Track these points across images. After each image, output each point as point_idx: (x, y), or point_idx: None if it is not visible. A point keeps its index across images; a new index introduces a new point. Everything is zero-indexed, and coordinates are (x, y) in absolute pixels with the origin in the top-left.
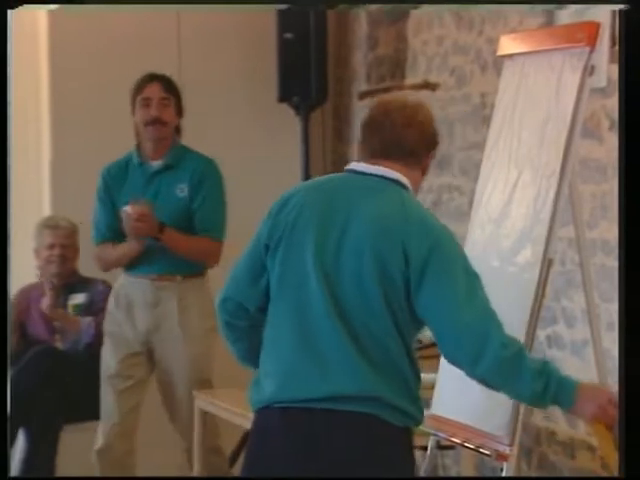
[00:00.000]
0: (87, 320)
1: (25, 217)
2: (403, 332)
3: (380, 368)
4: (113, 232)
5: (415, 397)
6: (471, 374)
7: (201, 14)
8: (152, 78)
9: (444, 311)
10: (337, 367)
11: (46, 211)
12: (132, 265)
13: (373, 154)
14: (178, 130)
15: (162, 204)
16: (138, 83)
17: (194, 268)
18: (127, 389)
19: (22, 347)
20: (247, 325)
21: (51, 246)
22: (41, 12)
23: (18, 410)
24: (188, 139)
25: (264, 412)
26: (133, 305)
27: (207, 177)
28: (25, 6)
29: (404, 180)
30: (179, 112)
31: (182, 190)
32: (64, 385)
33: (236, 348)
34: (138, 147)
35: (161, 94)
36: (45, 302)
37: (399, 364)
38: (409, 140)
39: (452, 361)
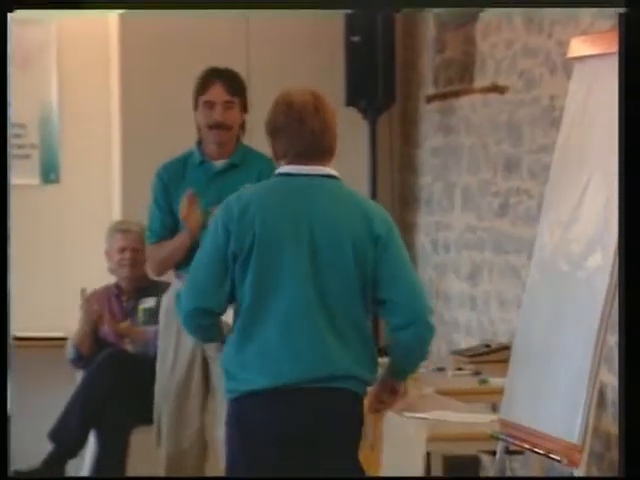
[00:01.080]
0: (153, 330)
1: (95, 220)
2: (369, 311)
3: (358, 351)
4: (169, 232)
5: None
6: (405, 335)
7: (269, 20)
8: (215, 77)
9: (403, 279)
10: (320, 353)
11: (116, 214)
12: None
13: (298, 155)
14: (242, 126)
15: None
16: (200, 82)
17: None
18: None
19: (94, 350)
20: (215, 322)
21: (122, 249)
22: (112, 15)
23: (90, 412)
24: (256, 143)
25: (250, 399)
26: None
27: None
28: (25, 11)
29: (337, 173)
30: (244, 109)
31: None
32: (135, 388)
33: (208, 340)
34: (199, 145)
35: (225, 97)
36: (107, 318)
37: (370, 342)
38: (328, 142)
39: (399, 325)
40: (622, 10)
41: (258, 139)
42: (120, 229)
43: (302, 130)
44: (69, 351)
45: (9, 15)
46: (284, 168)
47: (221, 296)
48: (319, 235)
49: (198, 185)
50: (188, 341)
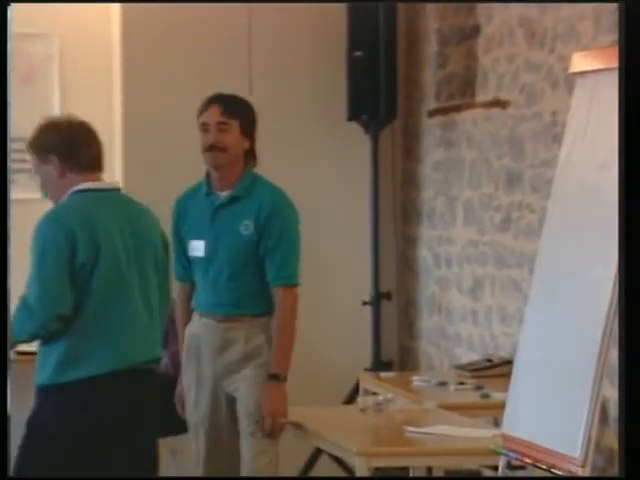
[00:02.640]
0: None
1: None
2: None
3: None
4: (185, 272)
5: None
6: None
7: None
8: (212, 100)
9: None
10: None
11: None
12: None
13: (84, 169)
14: (251, 155)
15: (225, 243)
16: (200, 107)
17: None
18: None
19: None
20: (63, 326)
21: None
22: (114, 27)
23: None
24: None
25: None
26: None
27: (277, 211)
28: (31, 25)
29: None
30: (248, 135)
31: (247, 227)
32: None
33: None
34: (207, 176)
35: (218, 118)
36: None
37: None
38: (100, 154)
39: None
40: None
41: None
42: None
43: (90, 142)
44: None
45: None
46: (85, 184)
47: (71, 298)
48: (141, 243)
49: (203, 220)
50: (208, 380)
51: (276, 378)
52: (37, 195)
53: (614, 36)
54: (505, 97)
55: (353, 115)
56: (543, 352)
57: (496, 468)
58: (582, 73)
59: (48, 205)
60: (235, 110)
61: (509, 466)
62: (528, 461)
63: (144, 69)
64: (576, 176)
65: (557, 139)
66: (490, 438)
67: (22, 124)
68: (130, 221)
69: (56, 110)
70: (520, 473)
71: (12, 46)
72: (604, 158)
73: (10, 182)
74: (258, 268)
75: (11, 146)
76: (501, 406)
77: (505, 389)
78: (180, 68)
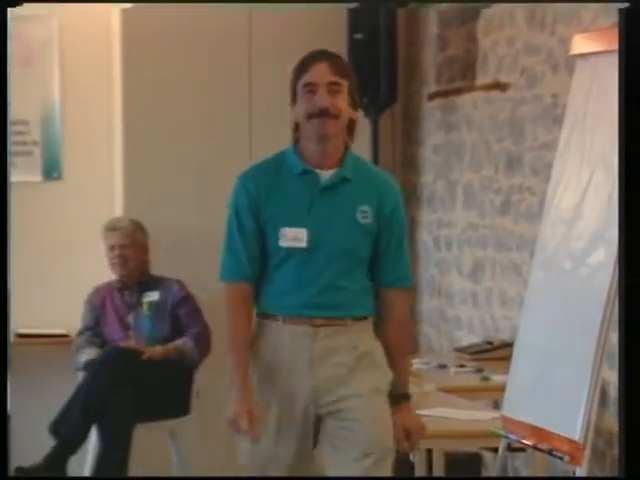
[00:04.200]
0: (180, 343)
1: (97, 217)
2: None
3: None
4: (252, 270)
5: None
6: None
7: (272, 15)
8: (318, 57)
9: None
10: None
11: (118, 211)
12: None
13: None
14: (351, 129)
15: (336, 232)
16: (299, 66)
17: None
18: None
19: (97, 346)
20: None
21: (112, 248)
22: (114, 12)
23: (91, 408)
24: (256, 140)
25: None
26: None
27: (400, 204)
28: (25, 5)
29: None
30: (353, 104)
31: (365, 215)
32: (137, 384)
33: None
34: (296, 149)
35: (330, 77)
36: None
37: None
38: None
39: None
40: (623, 6)
41: (260, 137)
42: (107, 227)
43: None
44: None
45: (9, 10)
46: None
47: None
48: None
49: (302, 202)
50: (299, 400)
51: (407, 398)
52: (37, 178)
53: (614, 18)
54: (505, 80)
55: None
56: (543, 335)
57: (496, 450)
58: (582, 55)
59: (48, 188)
60: (345, 71)
61: (509, 448)
62: (528, 443)
63: (144, 52)
64: (576, 160)
65: (557, 121)
66: (490, 421)
67: (21, 107)
68: None
69: (56, 93)
70: (520, 455)
71: (11, 29)
72: (603, 144)
73: (10, 166)
74: (367, 264)
75: (10, 129)
76: (501, 389)
77: (505, 372)
78: (180, 52)
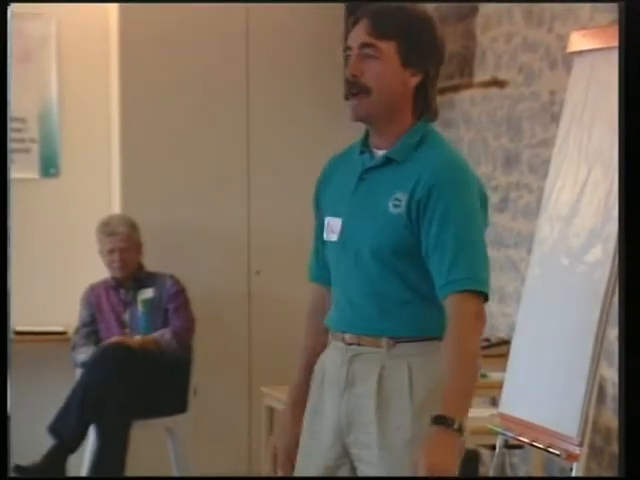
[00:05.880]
0: (159, 335)
1: (94, 214)
2: None
3: None
4: (320, 267)
5: None
6: None
7: (269, 13)
8: (360, 15)
9: None
10: None
11: (116, 208)
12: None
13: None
14: (421, 99)
15: (365, 224)
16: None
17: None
18: None
19: (93, 343)
20: None
21: (111, 251)
22: (112, 8)
23: (89, 406)
24: (254, 139)
25: None
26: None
27: (445, 188)
28: (28, 5)
29: None
30: (413, 65)
31: (397, 204)
32: (134, 382)
33: None
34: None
35: (362, 38)
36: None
37: None
38: None
39: None
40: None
41: (257, 135)
42: (105, 232)
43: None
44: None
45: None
46: None
47: None
48: None
49: (345, 187)
50: (328, 431)
51: (442, 422)
52: (35, 175)
53: (612, 15)
54: (503, 77)
55: None
56: (541, 332)
57: (494, 447)
58: (580, 52)
59: (45, 185)
60: (389, 29)
61: (506, 445)
62: (525, 440)
63: (141, 49)
64: (574, 157)
65: (555, 119)
66: (488, 417)
67: (19, 104)
68: None
69: (53, 90)
70: (517, 452)
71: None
72: (600, 141)
73: (10, 162)
74: (412, 266)
75: (11, 125)
76: (499, 386)
77: (503, 369)
78: (177, 49)
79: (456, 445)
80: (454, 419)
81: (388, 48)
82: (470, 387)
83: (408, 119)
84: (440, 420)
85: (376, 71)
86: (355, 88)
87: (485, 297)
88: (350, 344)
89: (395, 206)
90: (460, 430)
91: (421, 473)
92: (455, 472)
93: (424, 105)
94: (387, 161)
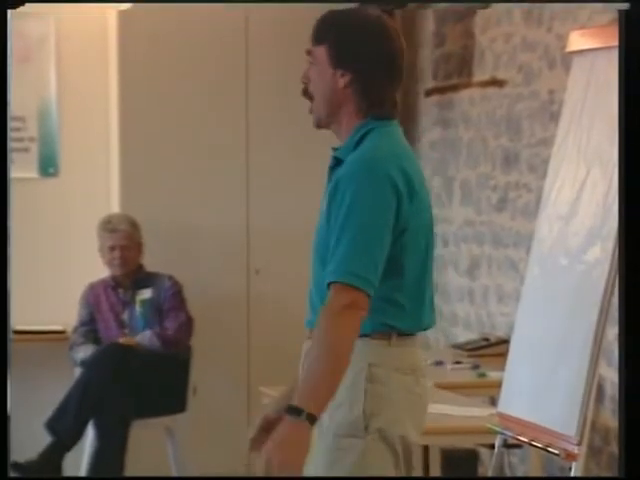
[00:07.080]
0: (146, 336)
1: (93, 213)
2: None
3: None
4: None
5: None
6: None
7: (269, 15)
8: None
9: None
10: None
11: (115, 207)
12: None
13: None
14: (364, 97)
15: (315, 221)
16: None
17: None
18: None
19: (92, 342)
20: None
21: (111, 249)
22: (111, 11)
23: (87, 405)
24: (253, 138)
25: None
26: None
27: (342, 183)
28: (27, 5)
29: None
30: (344, 66)
31: (323, 202)
32: (133, 381)
33: None
34: None
35: (309, 46)
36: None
37: None
38: None
39: None
40: (624, 6)
41: (257, 135)
42: (107, 229)
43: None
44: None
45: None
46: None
47: None
48: None
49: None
50: None
51: (291, 412)
52: (34, 174)
53: (611, 15)
54: (502, 76)
55: None
56: (539, 331)
57: (492, 447)
58: (579, 52)
59: (44, 184)
60: (320, 32)
61: (505, 445)
62: (524, 440)
63: (140, 49)
64: (573, 157)
65: (554, 118)
66: (486, 417)
67: (18, 104)
68: None
69: (52, 90)
70: (516, 452)
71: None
72: (600, 141)
73: (9, 162)
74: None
75: (10, 125)
76: (497, 385)
77: (502, 368)
78: (176, 48)
79: (305, 435)
80: (302, 410)
81: (321, 52)
82: (330, 378)
83: (353, 119)
84: (290, 411)
85: (313, 77)
86: (306, 96)
87: (365, 290)
88: (308, 340)
89: (322, 205)
90: (311, 420)
91: (270, 468)
92: (303, 463)
93: (367, 103)
94: (337, 162)
